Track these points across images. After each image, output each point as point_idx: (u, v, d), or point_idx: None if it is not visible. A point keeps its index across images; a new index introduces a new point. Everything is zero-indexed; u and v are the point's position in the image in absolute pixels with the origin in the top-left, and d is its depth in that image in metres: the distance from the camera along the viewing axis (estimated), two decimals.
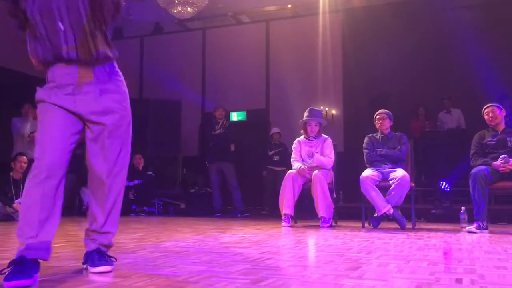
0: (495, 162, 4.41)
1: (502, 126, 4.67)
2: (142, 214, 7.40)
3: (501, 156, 4.39)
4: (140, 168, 7.84)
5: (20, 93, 7.65)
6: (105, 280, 1.78)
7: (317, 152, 5.21)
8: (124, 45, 10.12)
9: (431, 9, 8.56)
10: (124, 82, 2.13)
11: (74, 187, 7.63)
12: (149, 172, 7.81)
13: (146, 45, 10.64)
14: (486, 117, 4.72)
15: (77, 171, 7.73)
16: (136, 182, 7.57)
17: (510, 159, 4.38)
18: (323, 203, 4.90)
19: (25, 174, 6.19)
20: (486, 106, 4.75)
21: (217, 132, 7.47)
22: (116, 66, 2.12)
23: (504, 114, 4.73)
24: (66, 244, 3.06)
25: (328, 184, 5.01)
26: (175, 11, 7.88)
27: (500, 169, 4.38)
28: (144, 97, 10.00)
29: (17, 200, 5.99)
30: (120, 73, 2.13)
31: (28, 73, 8.43)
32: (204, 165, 7.78)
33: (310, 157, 5.23)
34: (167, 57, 10.08)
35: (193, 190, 8.00)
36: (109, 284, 1.70)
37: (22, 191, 5.95)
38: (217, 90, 9.66)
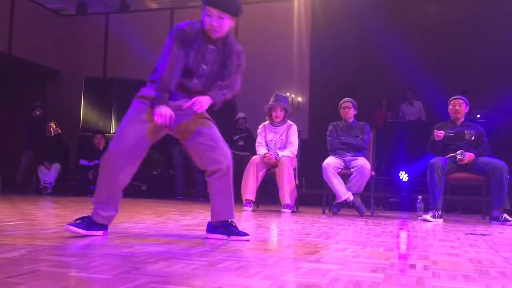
0: (451, 154, 4.57)
1: (461, 120, 4.82)
2: None
3: (458, 152, 4.52)
4: (101, 148, 7.68)
5: None
6: (61, 259, 1.73)
7: (282, 139, 5.24)
8: (88, 21, 9.82)
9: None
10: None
11: (32, 165, 7.41)
12: None
13: (111, 23, 10.35)
14: (450, 107, 4.83)
15: (35, 148, 7.52)
16: (96, 162, 7.41)
17: (466, 153, 4.53)
18: (288, 190, 4.94)
19: None
20: (454, 97, 4.85)
21: None
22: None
23: (467, 110, 4.86)
24: (20, 223, 2.97)
25: (292, 170, 5.05)
26: None
27: (458, 162, 4.54)
28: (108, 75, 9.76)
29: None
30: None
31: None
32: (167, 147, 7.69)
33: (276, 147, 5.23)
34: (133, 36, 9.85)
35: (156, 172, 7.90)
36: (64, 263, 1.66)
37: None
38: None
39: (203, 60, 2.50)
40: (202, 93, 2.47)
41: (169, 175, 7.72)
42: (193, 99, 2.42)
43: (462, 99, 4.81)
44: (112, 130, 8.47)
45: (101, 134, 7.79)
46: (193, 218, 3.77)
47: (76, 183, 7.63)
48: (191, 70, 2.50)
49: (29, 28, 9.26)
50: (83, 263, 1.66)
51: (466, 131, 4.75)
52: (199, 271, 1.60)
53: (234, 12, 2.47)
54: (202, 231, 2.85)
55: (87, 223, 2.42)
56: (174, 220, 3.57)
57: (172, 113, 2.39)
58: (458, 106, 4.78)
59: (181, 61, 2.44)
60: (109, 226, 2.54)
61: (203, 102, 2.41)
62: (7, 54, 8.94)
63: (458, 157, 4.50)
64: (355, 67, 8.34)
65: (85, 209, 4.41)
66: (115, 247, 2.07)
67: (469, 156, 4.52)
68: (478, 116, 7.08)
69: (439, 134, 4.59)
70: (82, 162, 7.56)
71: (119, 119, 8.54)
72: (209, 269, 1.63)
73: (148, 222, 3.32)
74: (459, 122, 4.81)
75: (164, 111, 2.36)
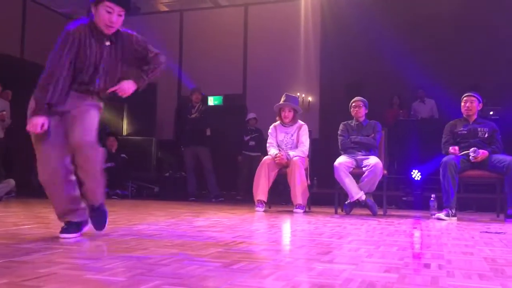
0: (464, 152, 4.53)
1: (474, 117, 4.77)
2: (115, 197, 7.32)
3: (471, 150, 4.48)
4: (114, 150, 7.74)
5: None
6: (76, 262, 1.75)
7: (292, 139, 5.24)
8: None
9: None
10: None
11: None
12: (122, 155, 7.72)
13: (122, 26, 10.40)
14: (462, 104, 4.79)
15: None
16: (109, 164, 7.47)
17: (479, 150, 4.48)
18: (299, 190, 4.93)
19: None
20: (466, 94, 4.80)
21: (193, 116, 7.41)
22: None
23: (480, 107, 4.80)
24: (35, 226, 3.01)
25: (304, 170, 5.04)
26: None
27: (471, 160, 4.49)
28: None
29: None
30: None
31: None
32: (179, 149, 7.73)
33: (287, 147, 5.23)
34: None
35: (168, 173, 7.95)
36: (80, 266, 1.68)
37: None
38: (194, 74, 9.56)
39: (101, 59, 2.52)
40: (105, 90, 2.58)
41: (180, 176, 7.75)
42: (118, 85, 2.54)
43: (475, 96, 4.75)
44: (124, 133, 8.54)
45: (113, 137, 7.85)
46: (206, 219, 3.78)
47: None
48: (90, 72, 2.51)
49: (41, 33, 9.35)
50: (98, 266, 1.68)
51: (479, 129, 4.70)
52: (213, 272, 1.61)
53: (128, 9, 2.54)
54: (215, 232, 2.86)
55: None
56: (187, 221, 3.58)
57: (46, 122, 2.39)
58: (470, 103, 4.73)
59: (68, 68, 2.43)
60: (123, 228, 2.57)
61: (127, 89, 2.55)
62: (20, 58, 9.05)
63: (471, 154, 4.46)
64: (365, 66, 8.30)
65: None
66: (129, 249, 2.09)
67: (482, 153, 4.47)
68: (491, 113, 7.00)
69: (454, 151, 4.54)
70: None
71: (130, 122, 8.63)
72: (223, 270, 1.64)
73: (161, 223, 3.34)
74: (472, 120, 4.77)
75: (35, 121, 2.37)
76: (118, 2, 2.46)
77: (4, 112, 6.78)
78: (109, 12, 2.45)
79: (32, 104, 2.43)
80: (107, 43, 2.54)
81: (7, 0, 8.90)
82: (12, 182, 5.95)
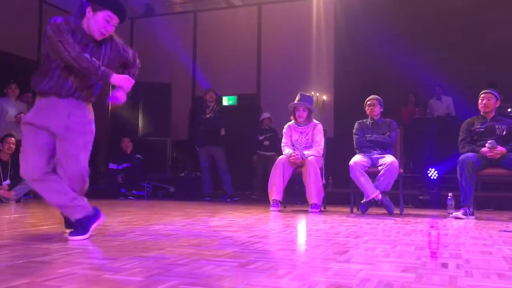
0: (483, 149, 4.45)
1: (492, 114, 4.69)
2: (131, 197, 7.39)
3: (488, 141, 4.40)
4: (129, 151, 7.81)
5: (3, 73, 7.57)
6: (94, 262, 1.78)
7: (307, 139, 5.24)
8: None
9: None
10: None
11: None
12: (137, 156, 7.78)
13: (136, 27, 10.51)
14: (479, 101, 4.72)
15: None
16: (124, 165, 7.55)
17: (498, 145, 4.41)
18: (315, 190, 4.92)
19: (13, 156, 6.12)
20: (483, 91, 4.74)
21: (207, 116, 7.43)
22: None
23: (498, 104, 4.73)
24: (54, 227, 3.05)
25: (319, 169, 5.03)
26: None
27: (487, 154, 4.42)
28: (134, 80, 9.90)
29: (4, 182, 5.93)
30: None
31: (14, 53, 8.39)
32: (194, 149, 7.77)
33: (302, 147, 5.23)
34: (158, 39, 9.98)
35: (183, 174, 7.99)
36: (98, 266, 1.70)
37: (10, 173, 5.93)
38: (208, 74, 9.60)
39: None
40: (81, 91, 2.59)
41: (195, 177, 7.79)
42: (111, 95, 2.59)
43: (492, 93, 4.68)
44: (139, 134, 8.60)
45: (128, 138, 7.91)
46: (221, 219, 3.79)
47: (106, 187, 7.79)
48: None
49: None
50: (116, 266, 1.70)
51: (497, 126, 4.63)
52: (229, 272, 1.61)
53: (122, 22, 2.61)
54: (230, 232, 2.87)
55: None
56: (203, 221, 3.60)
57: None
58: (487, 100, 4.66)
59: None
60: (140, 228, 2.59)
61: (120, 97, 2.60)
62: (37, 61, 9.18)
63: (487, 146, 4.37)
64: (380, 64, 8.22)
65: (117, 212, 4.49)
66: (146, 249, 2.11)
67: (500, 149, 4.40)
68: (509, 110, 6.90)
69: (497, 152, 4.46)
70: (111, 165, 7.70)
71: (145, 123, 8.68)
72: (239, 270, 1.65)
73: (177, 224, 3.36)
74: (489, 117, 4.70)
75: (121, 77, 2.56)
76: (120, 15, 2.52)
77: (22, 114, 6.87)
78: (108, 21, 2.50)
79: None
80: (104, 46, 2.61)
81: (23, 3, 9.03)
82: None
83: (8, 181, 5.95)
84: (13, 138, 6.14)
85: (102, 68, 2.44)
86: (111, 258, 1.86)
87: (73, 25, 2.50)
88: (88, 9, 2.49)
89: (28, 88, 7.07)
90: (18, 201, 5.89)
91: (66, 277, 1.51)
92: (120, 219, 3.65)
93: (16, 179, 6.03)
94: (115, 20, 2.51)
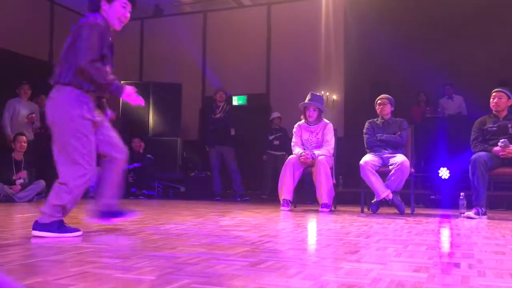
0: (496, 148, 4.40)
1: (504, 113, 4.64)
2: (142, 197, 7.43)
3: (501, 140, 4.36)
4: (140, 151, 7.85)
5: (15, 74, 7.65)
6: (106, 261, 1.79)
7: (317, 138, 5.22)
8: (124, 27, 10.02)
9: None
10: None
11: None
12: (148, 155, 7.82)
13: (146, 28, 10.55)
14: (491, 100, 4.67)
15: None
16: (135, 165, 7.58)
17: (510, 144, 4.36)
18: (325, 189, 4.91)
19: (25, 154, 6.19)
20: (495, 90, 4.69)
21: (217, 115, 7.45)
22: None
23: (510, 103, 4.67)
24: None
25: (329, 169, 5.02)
26: None
27: (500, 154, 4.37)
28: (145, 80, 9.96)
29: (18, 181, 5.99)
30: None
31: (24, 54, 8.47)
32: (204, 149, 7.79)
33: (312, 146, 5.22)
34: (168, 40, 10.01)
35: (193, 173, 8.02)
36: (109, 265, 1.71)
37: (23, 171, 6.00)
38: (218, 74, 9.61)
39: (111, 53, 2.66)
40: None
41: (206, 176, 7.81)
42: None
43: (504, 92, 4.64)
44: (150, 134, 8.64)
45: (138, 138, 7.96)
46: (232, 219, 3.80)
47: None
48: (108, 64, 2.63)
49: None
50: (128, 265, 1.71)
51: (509, 125, 4.58)
52: (240, 271, 1.62)
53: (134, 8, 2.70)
54: (241, 231, 2.87)
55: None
56: (213, 220, 3.61)
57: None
58: (498, 99, 4.61)
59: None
60: (151, 228, 2.60)
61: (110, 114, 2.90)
62: (48, 62, 9.26)
63: (500, 144, 4.33)
64: (390, 63, 8.17)
65: None
66: (157, 249, 2.12)
67: None
68: None
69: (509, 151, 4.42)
70: None
71: (156, 123, 8.71)
72: (250, 270, 1.65)
73: (187, 223, 3.37)
74: (502, 116, 4.65)
75: (131, 91, 2.67)
76: (132, 1, 2.61)
77: (33, 115, 6.94)
78: (125, 8, 2.57)
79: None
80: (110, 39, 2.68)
81: (35, 5, 9.11)
82: (42, 183, 6.10)
83: (21, 180, 6.01)
84: (24, 137, 6.20)
85: (117, 83, 2.56)
86: (123, 257, 1.87)
87: (104, 24, 2.56)
88: (103, 2, 2.54)
89: (39, 90, 7.15)
90: (30, 200, 5.95)
91: (79, 275, 1.52)
92: (131, 219, 3.67)
93: (29, 179, 6.10)
94: (129, 6, 2.60)
